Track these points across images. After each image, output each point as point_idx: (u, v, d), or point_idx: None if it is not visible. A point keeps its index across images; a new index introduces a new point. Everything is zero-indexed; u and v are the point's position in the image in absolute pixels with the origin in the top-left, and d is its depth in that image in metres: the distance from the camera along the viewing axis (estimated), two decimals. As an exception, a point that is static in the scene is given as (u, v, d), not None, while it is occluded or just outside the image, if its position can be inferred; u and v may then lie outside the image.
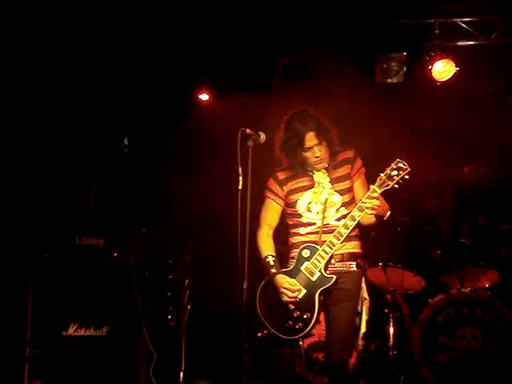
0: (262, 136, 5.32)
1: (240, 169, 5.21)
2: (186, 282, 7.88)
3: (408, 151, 7.95)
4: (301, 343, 6.26)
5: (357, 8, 7.89)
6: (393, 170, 5.07)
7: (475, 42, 8.21)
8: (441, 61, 8.05)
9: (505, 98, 8.44)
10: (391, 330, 7.59)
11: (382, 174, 5.08)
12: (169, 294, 8.02)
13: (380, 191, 5.08)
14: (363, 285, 5.46)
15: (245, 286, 5.12)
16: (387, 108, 8.41)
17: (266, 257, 5.43)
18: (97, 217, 7.57)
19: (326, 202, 5.34)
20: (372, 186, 5.11)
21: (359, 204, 5.14)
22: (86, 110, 8.45)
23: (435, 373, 7.15)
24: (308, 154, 5.34)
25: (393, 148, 8.11)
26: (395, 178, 5.06)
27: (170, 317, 7.89)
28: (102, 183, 7.93)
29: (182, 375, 7.64)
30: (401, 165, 5.08)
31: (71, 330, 6.74)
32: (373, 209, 5.10)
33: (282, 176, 5.47)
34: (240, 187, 5.30)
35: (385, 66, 8.30)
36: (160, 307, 7.77)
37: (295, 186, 5.43)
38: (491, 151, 8.09)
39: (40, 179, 7.91)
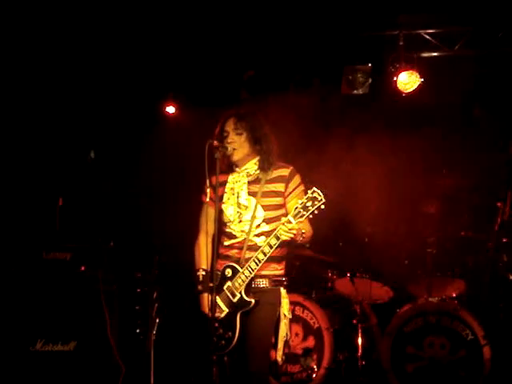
0: (230, 149, 5.34)
1: (208, 181, 5.23)
2: (155, 295, 7.85)
3: (373, 161, 8.13)
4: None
5: (322, 21, 7.93)
6: (309, 199, 4.97)
7: (439, 54, 8.29)
8: (405, 72, 8.11)
9: (469, 109, 8.51)
10: (360, 340, 7.62)
11: (299, 203, 5.00)
12: (137, 307, 7.99)
13: (295, 221, 5.00)
14: (283, 302, 5.41)
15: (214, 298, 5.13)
16: (352, 119, 8.47)
17: (197, 270, 5.45)
18: (64, 231, 7.53)
19: (240, 205, 5.38)
20: (288, 217, 5.04)
21: (275, 232, 5.12)
22: (53, 122, 8.40)
23: (404, 382, 7.18)
24: (226, 144, 5.35)
25: (359, 158, 8.24)
26: (310, 208, 4.96)
27: (138, 330, 7.85)
28: (69, 197, 7.89)
29: (150, 389, 7.61)
30: (316, 195, 4.96)
31: (38, 346, 6.70)
32: (289, 237, 5.09)
33: (214, 180, 5.33)
34: (208, 199, 5.32)
35: (350, 77, 8.36)
36: (128, 320, 7.73)
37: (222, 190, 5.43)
38: (459, 161, 8.15)
39: (5, 193, 7.84)
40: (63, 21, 7.53)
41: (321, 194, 4.96)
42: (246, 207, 5.36)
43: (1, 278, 6.77)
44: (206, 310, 5.23)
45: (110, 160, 9.03)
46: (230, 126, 5.39)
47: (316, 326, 7.59)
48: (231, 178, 5.48)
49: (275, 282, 5.39)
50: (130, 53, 8.26)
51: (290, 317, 5.47)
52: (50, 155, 8.42)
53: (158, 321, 7.80)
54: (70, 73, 8.21)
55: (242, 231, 5.37)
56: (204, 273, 5.40)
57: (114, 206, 8.70)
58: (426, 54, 8.31)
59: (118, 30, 7.86)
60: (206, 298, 5.30)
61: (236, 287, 5.25)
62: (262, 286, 5.34)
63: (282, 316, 5.40)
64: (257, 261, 5.19)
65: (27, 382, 6.63)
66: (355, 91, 8.42)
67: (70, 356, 6.75)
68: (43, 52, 7.84)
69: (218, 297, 5.26)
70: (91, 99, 8.65)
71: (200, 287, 5.37)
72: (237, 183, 5.44)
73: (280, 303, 5.40)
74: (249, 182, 5.43)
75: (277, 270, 5.41)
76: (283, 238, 5.08)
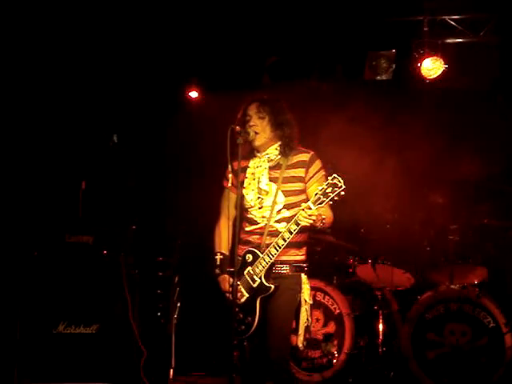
0: (252, 133, 5.34)
1: (230, 166, 5.25)
2: (176, 279, 7.89)
3: (396, 147, 8.10)
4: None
5: (346, 6, 7.89)
6: (329, 186, 4.94)
7: (464, 40, 8.23)
8: (429, 58, 8.07)
9: (493, 96, 8.45)
10: (380, 326, 7.61)
11: (318, 189, 4.97)
12: (158, 291, 8.03)
13: (315, 207, 4.98)
14: (304, 288, 5.40)
15: (235, 283, 5.15)
16: (376, 105, 8.44)
17: (216, 253, 5.45)
18: (86, 214, 7.57)
19: (261, 190, 5.35)
20: (307, 203, 5.02)
21: (295, 218, 5.08)
22: (76, 107, 8.43)
23: (425, 369, 7.18)
24: (248, 128, 5.33)
25: (382, 144, 8.21)
26: (330, 194, 4.93)
27: (159, 314, 7.89)
28: (92, 181, 7.93)
29: (171, 372, 7.66)
30: (336, 181, 4.93)
31: (61, 328, 6.75)
32: (309, 223, 5.05)
33: (236, 165, 5.30)
34: (230, 184, 5.34)
35: (374, 63, 8.31)
36: (150, 304, 7.77)
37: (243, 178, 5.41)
38: (481, 148, 8.10)
39: (29, 177, 7.89)
40: (88, 4, 7.56)
41: (341, 180, 4.93)
42: (267, 192, 5.35)
43: (24, 261, 6.81)
44: (227, 287, 5.25)
45: (133, 144, 9.06)
46: (252, 110, 5.39)
47: (337, 311, 7.60)
48: (252, 163, 5.46)
49: (296, 267, 5.38)
50: (154, 37, 8.27)
51: (311, 302, 5.47)
52: (74, 139, 8.46)
53: (179, 305, 7.85)
54: (94, 57, 8.23)
55: (263, 217, 5.37)
56: (222, 257, 5.42)
57: (136, 190, 8.73)
58: (450, 40, 8.25)
59: (143, 15, 7.87)
60: (224, 278, 5.33)
61: (256, 272, 5.25)
62: (282, 271, 5.34)
63: (302, 302, 5.39)
64: (277, 246, 5.18)
65: (49, 364, 6.69)
66: (378, 77, 8.38)
67: (92, 338, 6.79)
68: (68, 36, 7.86)
69: (238, 282, 5.25)
70: (114, 84, 8.67)
71: (217, 271, 5.39)
72: (258, 168, 5.42)
73: (301, 289, 5.39)
74: (269, 168, 5.41)
75: (297, 255, 5.40)
76: (303, 223, 5.07)
